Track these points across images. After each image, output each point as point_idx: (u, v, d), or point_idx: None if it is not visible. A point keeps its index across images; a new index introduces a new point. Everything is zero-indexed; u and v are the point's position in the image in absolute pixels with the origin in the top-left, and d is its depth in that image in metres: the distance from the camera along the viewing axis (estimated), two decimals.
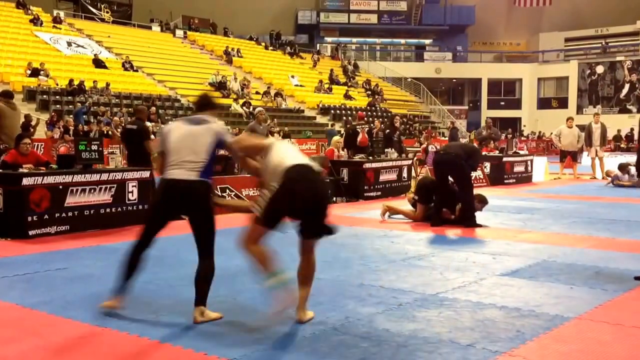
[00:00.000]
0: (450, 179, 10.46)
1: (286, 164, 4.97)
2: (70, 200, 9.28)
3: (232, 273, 6.74)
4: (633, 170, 17.16)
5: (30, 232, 8.77)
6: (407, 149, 19.96)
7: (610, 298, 5.82)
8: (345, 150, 15.76)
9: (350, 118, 32.89)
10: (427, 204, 10.61)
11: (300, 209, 4.91)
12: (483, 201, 10.67)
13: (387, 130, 18.02)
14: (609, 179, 18.01)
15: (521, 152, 21.30)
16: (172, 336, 4.66)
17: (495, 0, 57.81)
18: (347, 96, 41.64)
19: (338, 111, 37.85)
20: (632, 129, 31.18)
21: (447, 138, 35.64)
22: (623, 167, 17.49)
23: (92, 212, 9.56)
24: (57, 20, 35.80)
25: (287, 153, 5.14)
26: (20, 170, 9.16)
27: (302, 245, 5.14)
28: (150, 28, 43.18)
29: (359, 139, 16.92)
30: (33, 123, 20.55)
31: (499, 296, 5.84)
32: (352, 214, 11.83)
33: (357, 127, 17.15)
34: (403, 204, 11.81)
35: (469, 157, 10.43)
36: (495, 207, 12.42)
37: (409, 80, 51.17)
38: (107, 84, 28.55)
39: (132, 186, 10.11)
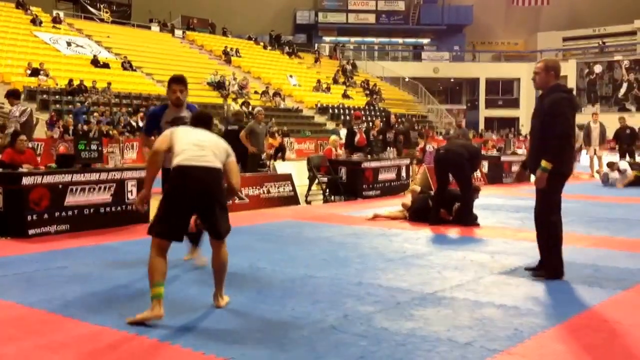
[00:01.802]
0: (450, 177, 10.50)
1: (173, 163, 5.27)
2: (70, 200, 9.28)
3: (230, 273, 6.76)
4: (623, 166, 17.16)
5: (30, 231, 8.77)
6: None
7: (608, 296, 5.83)
8: (343, 149, 15.80)
9: (347, 117, 32.97)
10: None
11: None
12: (477, 190, 10.79)
13: (381, 134, 18.09)
14: (597, 175, 18.07)
15: (519, 152, 21.35)
16: (170, 335, 4.67)
17: (493, 0, 57.87)
18: (345, 96, 41.70)
19: (336, 111, 37.88)
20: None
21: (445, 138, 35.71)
22: (611, 165, 17.51)
23: (91, 211, 9.57)
24: (56, 21, 35.85)
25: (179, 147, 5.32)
26: (20, 169, 9.19)
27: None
28: (149, 28, 43.24)
29: (356, 138, 16.94)
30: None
31: (497, 295, 5.86)
32: (351, 212, 11.84)
33: (354, 126, 17.17)
34: (396, 203, 11.80)
35: (472, 157, 10.46)
36: (493, 206, 12.45)
37: (407, 80, 51.24)
38: (109, 84, 28.59)
39: (132, 185, 10.12)
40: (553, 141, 6.24)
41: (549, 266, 6.50)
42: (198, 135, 5.42)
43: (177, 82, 7.15)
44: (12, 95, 13.53)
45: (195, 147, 5.25)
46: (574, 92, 49.98)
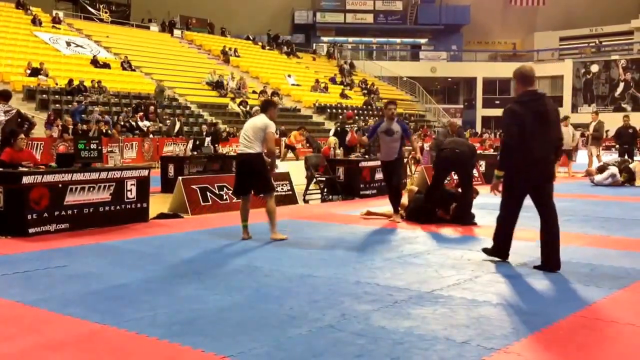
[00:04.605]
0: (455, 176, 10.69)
1: None
2: (70, 199, 9.32)
3: (229, 271, 6.81)
4: (613, 170, 17.16)
5: (30, 230, 8.81)
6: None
7: (604, 295, 5.85)
8: (341, 149, 15.87)
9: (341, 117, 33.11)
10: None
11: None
12: (475, 192, 10.86)
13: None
14: (588, 176, 18.09)
15: None
16: (170, 333, 4.69)
17: (490, 0, 57.90)
18: (343, 95, 41.72)
19: (334, 110, 37.92)
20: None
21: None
22: (603, 169, 17.49)
23: (91, 210, 9.61)
24: (56, 21, 35.82)
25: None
26: (20, 168, 9.23)
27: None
28: (148, 28, 43.22)
29: (347, 138, 17.00)
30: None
31: (493, 293, 5.89)
32: (348, 211, 11.87)
33: (346, 126, 17.25)
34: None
35: (473, 156, 10.65)
36: (490, 205, 12.41)
37: (405, 79, 51.26)
38: (99, 82, 28.51)
39: (131, 184, 10.16)
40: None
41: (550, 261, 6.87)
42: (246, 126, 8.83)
43: (393, 103, 11.14)
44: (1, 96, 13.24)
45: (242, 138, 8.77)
46: (570, 92, 50.51)
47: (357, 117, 30.71)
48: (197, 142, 17.07)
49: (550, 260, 6.83)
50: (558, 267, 6.78)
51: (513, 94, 54.06)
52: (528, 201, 13.63)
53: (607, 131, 24.65)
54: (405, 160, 16.52)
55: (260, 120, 8.74)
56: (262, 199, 8.82)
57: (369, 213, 11.07)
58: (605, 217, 11.04)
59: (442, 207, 10.38)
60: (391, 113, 10.68)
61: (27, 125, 12.79)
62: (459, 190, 10.62)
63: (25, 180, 8.82)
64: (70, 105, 25.99)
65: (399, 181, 10.80)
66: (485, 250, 7.47)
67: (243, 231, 8.76)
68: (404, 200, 11.16)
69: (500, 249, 7.33)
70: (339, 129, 18.50)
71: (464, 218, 10.16)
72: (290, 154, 25.03)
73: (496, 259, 7.40)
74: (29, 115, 14.70)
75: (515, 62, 55.12)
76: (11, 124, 11.61)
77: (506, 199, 7.15)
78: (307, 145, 24.88)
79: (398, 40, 61.08)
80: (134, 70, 33.54)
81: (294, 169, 14.64)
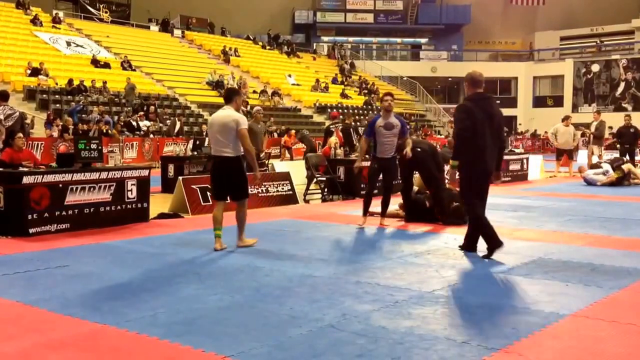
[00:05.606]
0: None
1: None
2: (70, 199, 9.32)
3: (230, 271, 6.80)
4: (606, 166, 17.20)
5: (31, 230, 8.81)
6: None
7: (605, 295, 5.86)
8: (342, 148, 15.89)
9: (341, 117, 33.16)
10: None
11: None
12: None
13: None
14: (579, 174, 18.14)
15: (517, 150, 21.37)
16: (170, 333, 4.69)
17: (491, 0, 57.90)
18: (343, 95, 41.74)
19: (334, 110, 37.94)
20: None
21: (442, 136, 35.76)
22: (595, 167, 17.53)
23: (91, 210, 9.60)
24: (56, 20, 35.82)
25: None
26: (21, 168, 9.24)
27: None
28: (148, 28, 43.24)
29: (332, 138, 17.07)
30: (27, 121, 20.57)
31: (494, 293, 5.89)
32: (349, 211, 11.88)
33: (331, 126, 17.29)
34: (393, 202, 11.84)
35: (434, 154, 10.80)
36: (490, 205, 12.37)
37: (405, 79, 51.27)
38: (104, 83, 28.56)
39: (131, 184, 10.15)
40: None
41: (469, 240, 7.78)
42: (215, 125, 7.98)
43: (389, 94, 10.46)
44: None
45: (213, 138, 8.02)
46: (571, 92, 50.53)
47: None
48: (197, 142, 17.07)
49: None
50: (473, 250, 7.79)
51: (514, 93, 54.50)
52: (523, 200, 13.67)
53: (610, 127, 24.79)
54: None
55: (229, 116, 7.93)
56: (234, 204, 8.18)
57: (371, 214, 11.07)
58: (606, 217, 11.04)
59: (442, 207, 10.38)
60: (387, 104, 10.13)
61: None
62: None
63: (26, 180, 8.82)
64: (67, 105, 25.99)
65: (391, 182, 10.39)
66: (485, 257, 7.48)
67: (216, 241, 7.99)
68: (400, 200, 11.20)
69: (492, 243, 7.51)
70: (335, 128, 18.62)
71: (445, 215, 10.20)
72: (286, 154, 25.38)
73: (497, 259, 7.40)
74: (26, 123, 14.68)
75: (516, 62, 55.38)
76: (15, 127, 11.62)
77: (466, 190, 7.72)
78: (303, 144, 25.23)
79: (398, 40, 61.11)
80: (134, 70, 33.53)
81: (294, 169, 14.65)
